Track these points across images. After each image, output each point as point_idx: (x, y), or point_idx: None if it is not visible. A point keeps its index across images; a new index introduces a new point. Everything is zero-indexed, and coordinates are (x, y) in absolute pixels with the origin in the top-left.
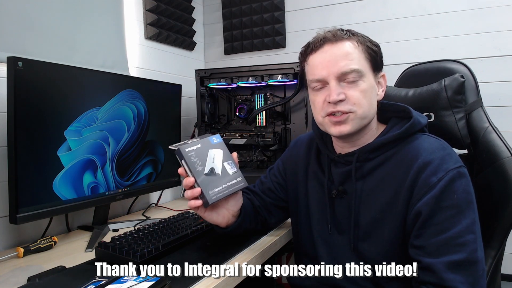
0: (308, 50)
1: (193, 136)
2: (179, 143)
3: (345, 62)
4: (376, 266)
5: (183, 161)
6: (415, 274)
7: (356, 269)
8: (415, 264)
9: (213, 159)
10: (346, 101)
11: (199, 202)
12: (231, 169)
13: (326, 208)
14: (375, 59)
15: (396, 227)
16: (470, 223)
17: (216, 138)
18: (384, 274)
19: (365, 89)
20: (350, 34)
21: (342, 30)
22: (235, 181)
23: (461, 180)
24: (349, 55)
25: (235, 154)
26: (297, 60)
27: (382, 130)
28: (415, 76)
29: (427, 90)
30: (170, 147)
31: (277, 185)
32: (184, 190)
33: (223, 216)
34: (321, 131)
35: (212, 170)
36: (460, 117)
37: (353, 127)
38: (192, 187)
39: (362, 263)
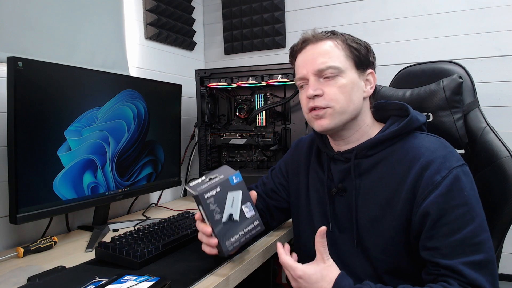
0: (293, 52)
1: (192, 137)
2: (196, 184)
3: (322, 60)
4: (378, 263)
5: (200, 207)
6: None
7: (359, 266)
8: (428, 265)
9: (232, 204)
10: (323, 97)
11: (214, 251)
12: (249, 212)
13: (326, 206)
14: (358, 57)
15: (398, 225)
16: (481, 220)
17: (236, 178)
18: (386, 271)
19: (344, 85)
20: (330, 34)
21: (325, 31)
22: (252, 225)
23: (467, 178)
24: (328, 53)
25: (253, 194)
26: None
27: (380, 128)
28: (410, 76)
29: (425, 90)
30: (187, 188)
31: (279, 186)
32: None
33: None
34: None
35: (230, 217)
36: (458, 117)
37: (332, 121)
38: (210, 235)
39: (365, 259)
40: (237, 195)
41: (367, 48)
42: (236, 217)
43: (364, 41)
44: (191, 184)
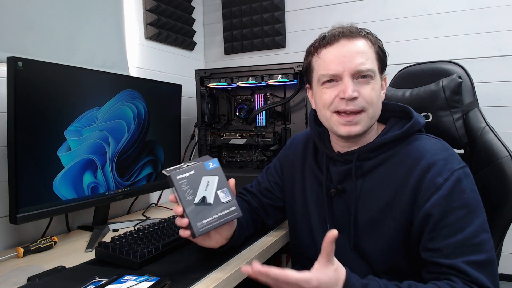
0: (323, 43)
1: (192, 137)
2: (173, 168)
3: (361, 60)
4: (376, 264)
5: (173, 189)
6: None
7: (357, 267)
8: (430, 265)
9: (206, 187)
10: (359, 100)
11: (187, 233)
12: (225, 197)
13: (324, 206)
14: (383, 61)
15: (398, 227)
16: (482, 221)
17: (212, 163)
18: (384, 271)
19: (376, 89)
20: (365, 33)
21: (357, 27)
22: (228, 210)
23: (468, 180)
24: (365, 53)
25: (232, 181)
26: (297, 60)
27: (381, 129)
28: (410, 76)
29: (424, 90)
30: (163, 171)
31: (274, 185)
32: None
33: (216, 240)
34: (319, 129)
35: (203, 199)
36: (458, 117)
37: (363, 127)
38: (182, 215)
39: (363, 261)
40: (213, 180)
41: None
42: (210, 200)
43: None
44: (168, 168)
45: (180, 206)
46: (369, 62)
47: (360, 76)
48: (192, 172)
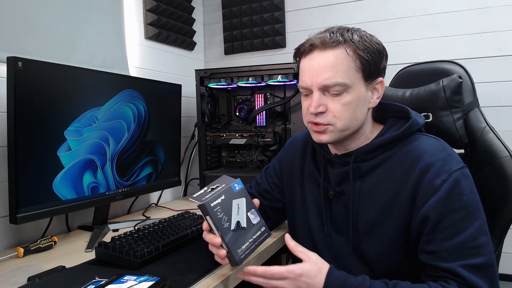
0: (298, 53)
1: (192, 137)
2: (199, 195)
3: (328, 74)
4: (376, 266)
5: (208, 217)
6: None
7: (357, 269)
8: (428, 268)
9: (237, 211)
10: (326, 114)
11: (226, 262)
12: (254, 218)
13: (322, 209)
14: (368, 68)
15: (397, 229)
16: (481, 224)
17: (238, 185)
18: (384, 273)
19: (349, 102)
20: (342, 40)
21: (336, 34)
22: (260, 232)
23: (466, 181)
24: (335, 66)
25: (256, 201)
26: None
27: (379, 130)
28: (410, 76)
29: (424, 90)
30: (192, 199)
31: (273, 186)
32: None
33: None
34: None
35: (238, 224)
36: (458, 117)
37: (331, 138)
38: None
39: (363, 263)
40: (241, 202)
41: (380, 53)
42: (244, 224)
43: (377, 42)
44: (194, 195)
45: (216, 236)
46: (339, 75)
47: (329, 90)
48: (223, 197)
